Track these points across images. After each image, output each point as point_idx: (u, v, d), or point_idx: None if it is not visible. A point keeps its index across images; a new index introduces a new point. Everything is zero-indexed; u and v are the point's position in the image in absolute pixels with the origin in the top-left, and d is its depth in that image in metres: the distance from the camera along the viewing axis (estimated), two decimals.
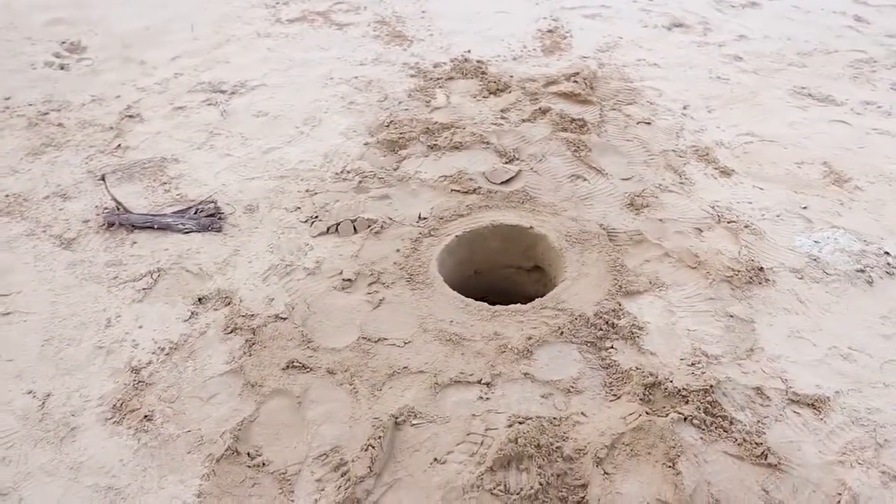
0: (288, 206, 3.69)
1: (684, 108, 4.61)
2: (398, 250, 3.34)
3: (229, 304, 3.11)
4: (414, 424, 2.52)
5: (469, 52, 5.23)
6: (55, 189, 3.89)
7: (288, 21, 5.78)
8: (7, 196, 3.84)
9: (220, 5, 6.13)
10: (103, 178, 3.92)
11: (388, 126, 4.32)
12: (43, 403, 2.73)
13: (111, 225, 3.59)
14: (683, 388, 2.63)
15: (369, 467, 2.35)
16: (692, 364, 2.78)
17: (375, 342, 2.87)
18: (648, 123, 4.39)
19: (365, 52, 5.26)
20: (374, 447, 2.40)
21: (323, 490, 2.35)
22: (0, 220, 3.67)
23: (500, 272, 3.61)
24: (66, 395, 2.75)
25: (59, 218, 3.68)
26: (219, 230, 3.54)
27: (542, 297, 3.16)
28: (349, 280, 3.17)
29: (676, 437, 2.43)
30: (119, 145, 4.27)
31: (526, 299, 3.15)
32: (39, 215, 3.70)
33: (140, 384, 2.77)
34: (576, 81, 4.71)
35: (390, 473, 2.38)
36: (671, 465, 2.35)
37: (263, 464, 2.44)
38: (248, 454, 2.47)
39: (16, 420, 2.67)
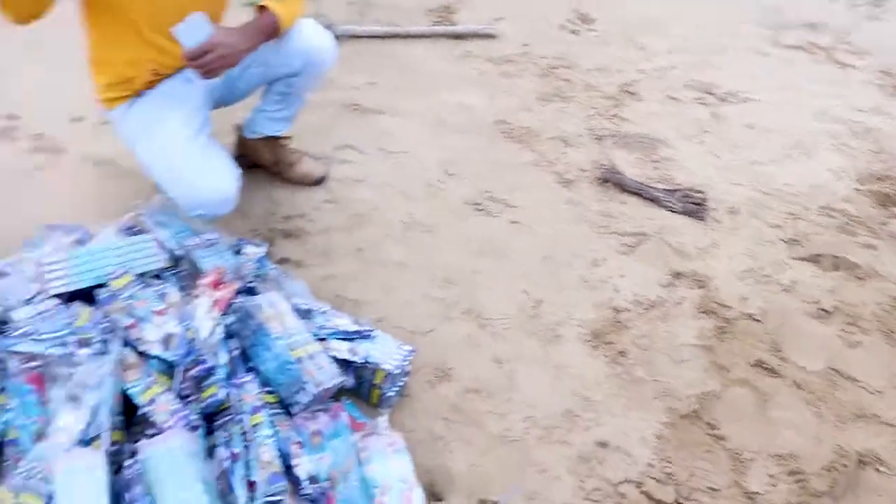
0: (769, 221, 3.82)
1: None
2: (879, 303, 3.31)
3: (703, 287, 3.35)
4: (879, 471, 2.55)
5: None
6: (559, 133, 4.44)
7: (786, 46, 5.81)
8: (521, 127, 4.47)
9: (714, 16, 6.32)
10: (599, 140, 4.39)
11: (880, 179, 4.22)
12: (536, 305, 3.21)
13: (605, 181, 4.02)
14: None
15: (830, 486, 2.45)
16: None
17: (845, 378, 2.92)
18: None
19: (865, 99, 5.11)
20: (838, 470, 2.49)
21: (775, 486, 2.50)
22: (514, 146, 4.30)
23: None
24: (555, 307, 3.20)
25: (561, 160, 4.20)
26: (701, 219, 3.79)
27: None
28: (826, 311, 3.23)
29: None
30: (616, 115, 4.72)
31: None
32: (545, 151, 4.26)
33: (618, 324, 3.14)
34: None
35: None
36: None
37: (721, 437, 2.66)
38: (709, 423, 2.71)
39: (513, 309, 3.18)
